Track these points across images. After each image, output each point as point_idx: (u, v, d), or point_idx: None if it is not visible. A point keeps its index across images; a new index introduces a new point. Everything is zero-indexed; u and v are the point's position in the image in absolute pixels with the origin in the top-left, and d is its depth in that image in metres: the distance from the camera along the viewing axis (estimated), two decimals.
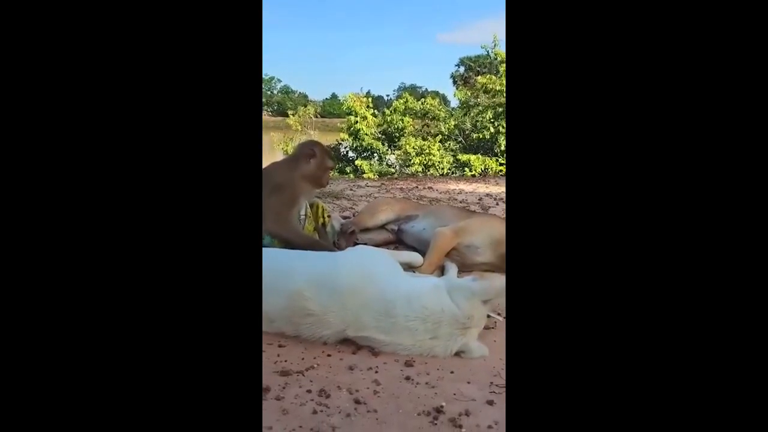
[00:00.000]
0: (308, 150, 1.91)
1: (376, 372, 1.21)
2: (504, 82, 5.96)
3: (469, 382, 1.17)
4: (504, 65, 6.16)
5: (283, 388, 1.13)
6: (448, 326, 1.29)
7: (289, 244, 1.75)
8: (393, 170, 6.40)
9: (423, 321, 1.28)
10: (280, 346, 1.32)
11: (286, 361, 1.25)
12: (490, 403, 1.08)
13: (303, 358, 1.26)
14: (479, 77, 6.70)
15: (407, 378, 1.18)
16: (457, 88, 7.58)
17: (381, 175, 6.16)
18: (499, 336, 1.41)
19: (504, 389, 1.14)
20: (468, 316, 1.30)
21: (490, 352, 1.31)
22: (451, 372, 1.22)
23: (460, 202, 3.33)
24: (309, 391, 1.12)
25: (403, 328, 1.28)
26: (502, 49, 6.31)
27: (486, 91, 6.24)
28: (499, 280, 1.35)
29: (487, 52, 6.65)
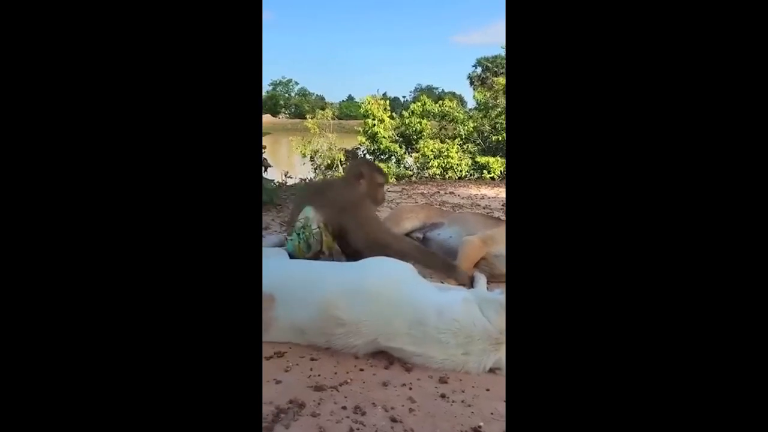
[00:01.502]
0: (356, 171, 1.95)
1: (410, 389, 1.20)
2: None
3: (505, 401, 1.15)
4: None
5: (318, 404, 1.12)
6: (481, 341, 1.27)
7: (392, 250, 1.74)
8: (410, 173, 6.38)
9: (454, 334, 1.27)
10: (312, 359, 1.32)
11: (319, 375, 1.25)
12: None
13: (336, 373, 1.26)
14: (498, 78, 6.64)
15: (442, 396, 1.17)
16: (474, 89, 7.52)
17: (399, 178, 6.15)
18: None
19: None
20: (501, 330, 1.28)
21: None
22: (487, 390, 1.20)
23: (484, 208, 3.30)
24: (344, 408, 1.11)
25: (435, 340, 1.27)
26: None
27: (505, 93, 6.18)
28: None
29: None
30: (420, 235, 2.26)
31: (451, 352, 1.27)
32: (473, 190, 4.17)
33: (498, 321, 1.28)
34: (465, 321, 1.28)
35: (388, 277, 1.38)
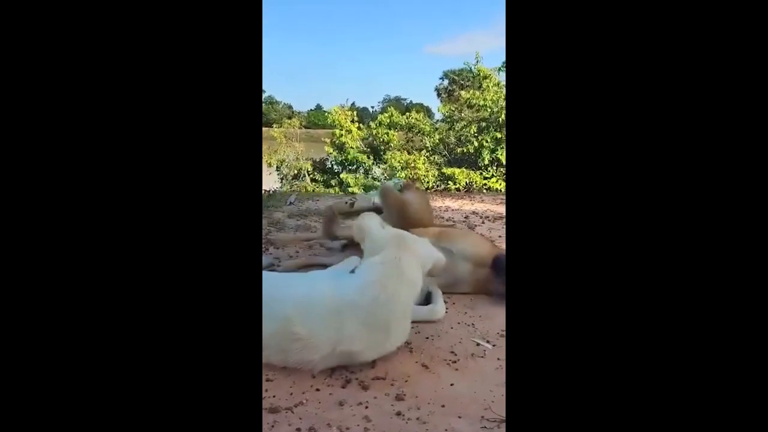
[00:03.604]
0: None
1: (366, 407, 1.19)
2: (486, 97, 6.06)
3: (460, 417, 1.16)
4: (486, 81, 6.26)
5: (272, 426, 1.10)
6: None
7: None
8: (378, 184, 6.41)
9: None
10: (267, 380, 1.29)
11: (274, 396, 1.22)
12: None
13: (291, 393, 1.24)
14: (462, 92, 6.80)
15: (398, 413, 1.17)
16: (441, 102, 7.68)
17: (366, 189, 6.16)
18: (489, 365, 1.41)
19: (494, 424, 1.13)
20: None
21: (480, 383, 1.31)
22: (442, 406, 1.21)
23: (447, 220, 3.35)
24: (298, 430, 1.10)
25: (384, 322, 1.34)
26: (483, 65, 6.43)
27: (469, 106, 6.33)
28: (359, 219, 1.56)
29: (470, 68, 6.75)
30: None
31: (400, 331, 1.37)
32: (438, 203, 4.23)
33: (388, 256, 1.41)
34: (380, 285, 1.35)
35: (336, 285, 1.40)
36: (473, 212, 3.72)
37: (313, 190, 6.47)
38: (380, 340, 1.34)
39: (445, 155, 6.53)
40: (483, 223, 3.31)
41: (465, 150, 6.18)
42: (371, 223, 1.55)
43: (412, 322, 1.44)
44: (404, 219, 2.01)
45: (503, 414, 1.16)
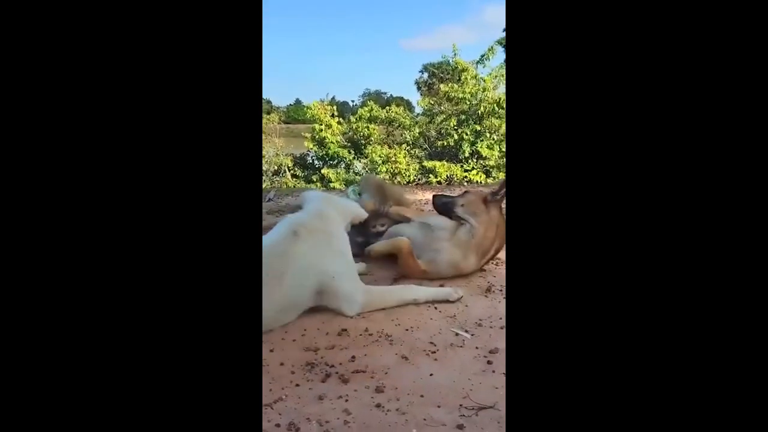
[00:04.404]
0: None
1: (346, 400, 1.20)
2: (465, 90, 6.09)
3: (438, 406, 1.18)
4: (464, 74, 6.28)
5: None
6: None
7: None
8: (360, 178, 6.39)
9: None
10: None
11: None
12: (460, 427, 1.10)
13: (271, 390, 1.24)
14: (442, 85, 6.81)
15: (378, 405, 1.18)
16: (421, 95, 7.68)
17: (348, 183, 6.13)
18: (468, 354, 1.43)
19: (472, 412, 1.15)
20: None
21: (459, 373, 1.33)
22: (421, 396, 1.22)
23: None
24: (278, 426, 1.09)
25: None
26: (461, 58, 6.45)
27: (449, 99, 6.35)
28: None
29: (449, 61, 6.76)
30: (360, 239, 2.30)
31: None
32: (419, 196, 4.25)
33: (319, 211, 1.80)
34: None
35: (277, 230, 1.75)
36: None
37: (294, 186, 6.41)
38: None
39: (425, 149, 6.54)
40: None
41: (445, 143, 6.20)
42: (309, 193, 2.00)
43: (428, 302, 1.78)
44: (385, 197, 2.58)
45: (481, 402, 1.18)
